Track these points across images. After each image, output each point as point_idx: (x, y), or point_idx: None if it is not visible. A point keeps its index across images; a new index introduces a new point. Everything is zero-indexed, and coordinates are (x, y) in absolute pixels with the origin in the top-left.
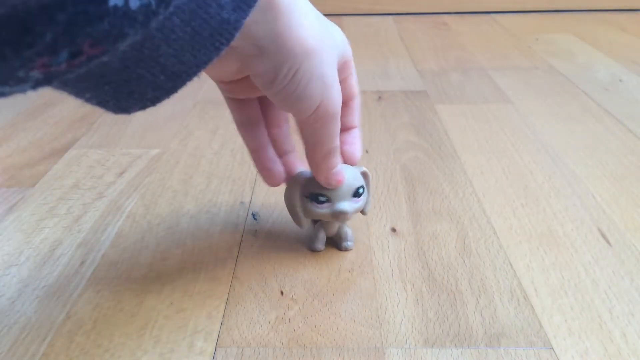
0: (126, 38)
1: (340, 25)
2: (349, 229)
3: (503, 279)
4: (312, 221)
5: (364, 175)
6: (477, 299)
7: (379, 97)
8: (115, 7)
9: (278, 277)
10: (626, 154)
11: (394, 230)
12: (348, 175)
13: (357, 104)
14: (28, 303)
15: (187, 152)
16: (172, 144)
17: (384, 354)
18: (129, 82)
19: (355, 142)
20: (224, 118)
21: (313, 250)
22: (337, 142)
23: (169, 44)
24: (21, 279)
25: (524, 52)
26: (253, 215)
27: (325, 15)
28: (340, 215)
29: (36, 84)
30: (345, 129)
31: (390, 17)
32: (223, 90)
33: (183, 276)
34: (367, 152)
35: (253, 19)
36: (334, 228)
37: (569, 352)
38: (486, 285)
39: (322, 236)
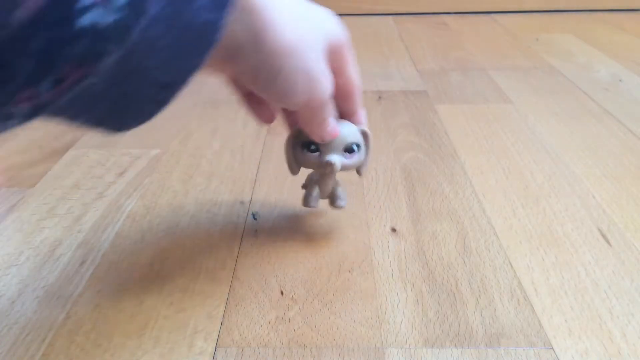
0: (105, 56)
1: None
2: (343, 190)
3: (503, 279)
4: (309, 180)
5: (364, 134)
6: (477, 299)
7: (379, 97)
8: (86, 27)
9: (278, 277)
10: (626, 154)
11: (394, 230)
12: (343, 130)
13: (357, 93)
14: (28, 303)
15: (187, 152)
16: (172, 144)
17: (384, 354)
18: (122, 100)
19: (360, 121)
20: (224, 118)
21: (306, 206)
22: (329, 114)
23: (154, 55)
24: (21, 279)
25: (524, 52)
26: (253, 215)
27: None
28: (327, 167)
29: (25, 118)
30: (349, 115)
31: (390, 17)
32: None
33: (183, 276)
34: None
35: (231, 18)
36: (328, 187)
37: (569, 352)
38: (486, 285)
39: (315, 194)
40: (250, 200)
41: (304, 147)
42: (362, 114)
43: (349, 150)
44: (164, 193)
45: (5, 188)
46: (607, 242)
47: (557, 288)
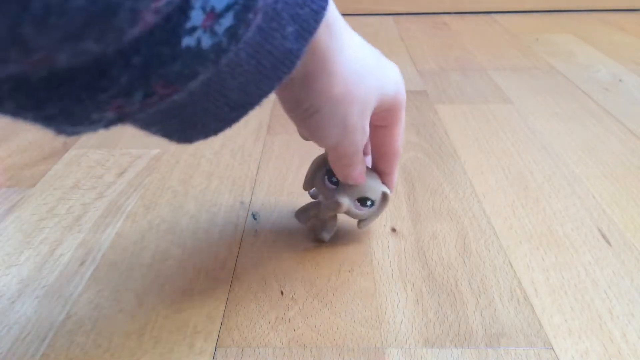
0: (198, 77)
1: None
2: (335, 224)
3: (503, 279)
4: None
5: (384, 196)
6: (477, 299)
7: None
8: (189, 47)
9: (278, 277)
10: (626, 154)
11: (394, 230)
12: (368, 182)
13: (395, 157)
14: (28, 303)
15: (187, 152)
16: (172, 144)
17: (384, 354)
18: (195, 116)
19: (388, 183)
20: None
21: (296, 217)
22: (356, 161)
23: (235, 77)
24: (21, 279)
25: (524, 52)
26: (253, 215)
27: None
28: (333, 204)
29: (109, 123)
30: (381, 173)
31: (390, 17)
32: None
33: (183, 276)
34: None
35: None
36: (325, 216)
37: (569, 352)
38: (486, 285)
39: (310, 212)
40: (250, 200)
41: (327, 174)
42: (394, 177)
43: (362, 202)
44: (164, 193)
45: (5, 188)
46: (607, 242)
47: (557, 288)
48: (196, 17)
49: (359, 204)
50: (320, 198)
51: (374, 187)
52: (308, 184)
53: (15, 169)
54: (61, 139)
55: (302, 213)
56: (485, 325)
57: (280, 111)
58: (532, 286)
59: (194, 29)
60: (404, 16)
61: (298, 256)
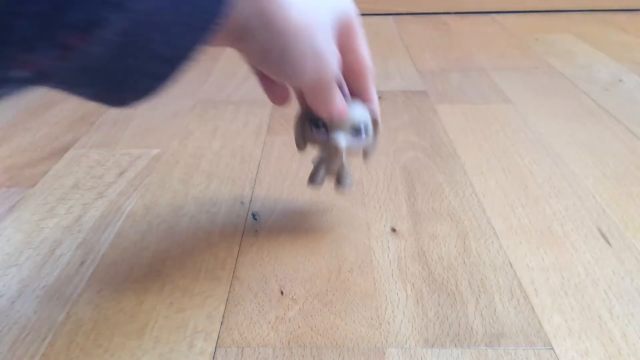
0: (108, 24)
1: None
2: (349, 173)
3: (503, 279)
4: (317, 157)
5: (374, 122)
6: (477, 299)
7: (379, 97)
8: None
9: (278, 277)
10: (626, 154)
11: (394, 230)
12: (352, 110)
13: (368, 71)
14: (28, 303)
15: (187, 152)
16: (172, 144)
17: (384, 354)
18: (121, 73)
19: (370, 99)
20: (224, 118)
21: (311, 182)
22: (336, 92)
23: (158, 29)
24: (21, 279)
25: (524, 52)
26: (253, 215)
27: None
28: (332, 146)
29: (23, 84)
30: (360, 93)
31: (390, 17)
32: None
33: (183, 276)
34: None
35: None
36: (335, 166)
37: (569, 352)
38: (486, 285)
39: (322, 172)
40: (250, 200)
41: (312, 124)
42: (373, 92)
43: (356, 131)
44: (164, 193)
45: (5, 188)
46: (607, 242)
47: (557, 288)
48: None
49: (354, 134)
50: (318, 150)
51: (360, 112)
52: (300, 143)
53: (15, 169)
54: (61, 139)
55: (315, 176)
56: (485, 325)
57: (281, 111)
58: (532, 286)
59: None
60: (404, 16)
61: (298, 256)
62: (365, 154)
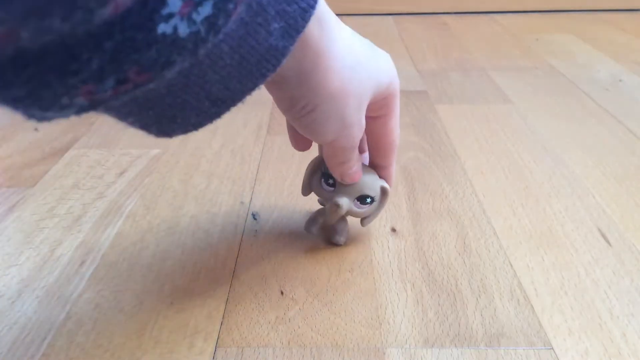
0: (174, 65)
1: None
2: (346, 225)
3: (503, 279)
4: (318, 210)
5: (383, 190)
6: (477, 299)
7: None
8: (164, 34)
9: (278, 277)
10: (626, 154)
11: (394, 230)
12: (364, 179)
13: (392, 149)
14: (28, 303)
15: (187, 152)
16: (172, 144)
17: (384, 354)
18: (173, 108)
19: (387, 177)
20: (224, 118)
21: (306, 230)
22: (353, 158)
23: (216, 71)
24: (21, 279)
25: (524, 52)
26: (253, 215)
27: None
28: (333, 206)
29: (80, 110)
30: (378, 167)
31: (390, 17)
32: None
33: (183, 276)
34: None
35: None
36: (332, 221)
37: (569, 352)
38: (486, 285)
39: (318, 223)
40: (250, 200)
41: (323, 177)
42: (392, 167)
43: (362, 200)
44: (164, 193)
45: (5, 188)
46: (607, 242)
47: (557, 288)
48: (173, 3)
49: (359, 202)
50: (321, 201)
51: (372, 184)
52: (306, 189)
53: (15, 169)
54: (61, 139)
55: (311, 223)
56: (485, 325)
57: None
58: (532, 286)
59: (170, 16)
60: (404, 16)
61: (298, 256)
62: (364, 220)
